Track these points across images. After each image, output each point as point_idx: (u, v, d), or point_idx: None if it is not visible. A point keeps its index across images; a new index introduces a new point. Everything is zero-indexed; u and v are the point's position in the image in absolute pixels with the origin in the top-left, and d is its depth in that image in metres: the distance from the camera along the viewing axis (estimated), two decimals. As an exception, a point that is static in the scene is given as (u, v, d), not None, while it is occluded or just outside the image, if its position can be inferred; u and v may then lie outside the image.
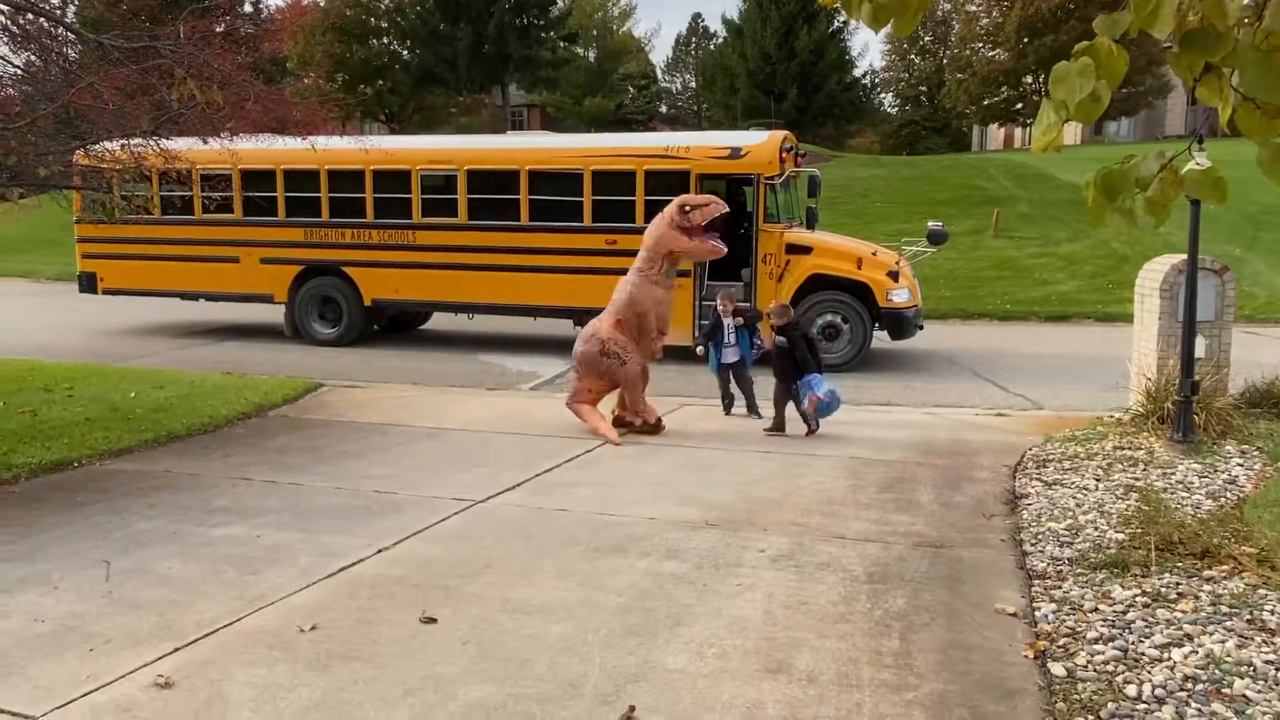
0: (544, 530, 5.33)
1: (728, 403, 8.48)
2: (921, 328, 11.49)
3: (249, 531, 5.29)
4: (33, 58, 7.53)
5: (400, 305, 13.05)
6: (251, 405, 8.61)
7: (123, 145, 6.90)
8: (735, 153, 11.21)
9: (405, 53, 40.91)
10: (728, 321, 8.36)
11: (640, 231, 11.58)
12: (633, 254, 12.07)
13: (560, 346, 11.14)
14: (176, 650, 3.80)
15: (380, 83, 39.55)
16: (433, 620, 4.06)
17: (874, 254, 11.24)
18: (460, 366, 11.66)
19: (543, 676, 3.58)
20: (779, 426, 7.68)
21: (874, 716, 3.33)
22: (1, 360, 10.82)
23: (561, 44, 42.51)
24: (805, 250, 11.17)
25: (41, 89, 6.77)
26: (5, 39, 6.96)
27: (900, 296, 10.93)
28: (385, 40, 41.43)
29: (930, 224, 11.99)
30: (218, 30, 8.47)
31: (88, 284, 14.04)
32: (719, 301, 8.55)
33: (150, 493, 6.10)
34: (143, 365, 10.86)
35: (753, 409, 8.35)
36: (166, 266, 13.50)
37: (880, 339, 11.38)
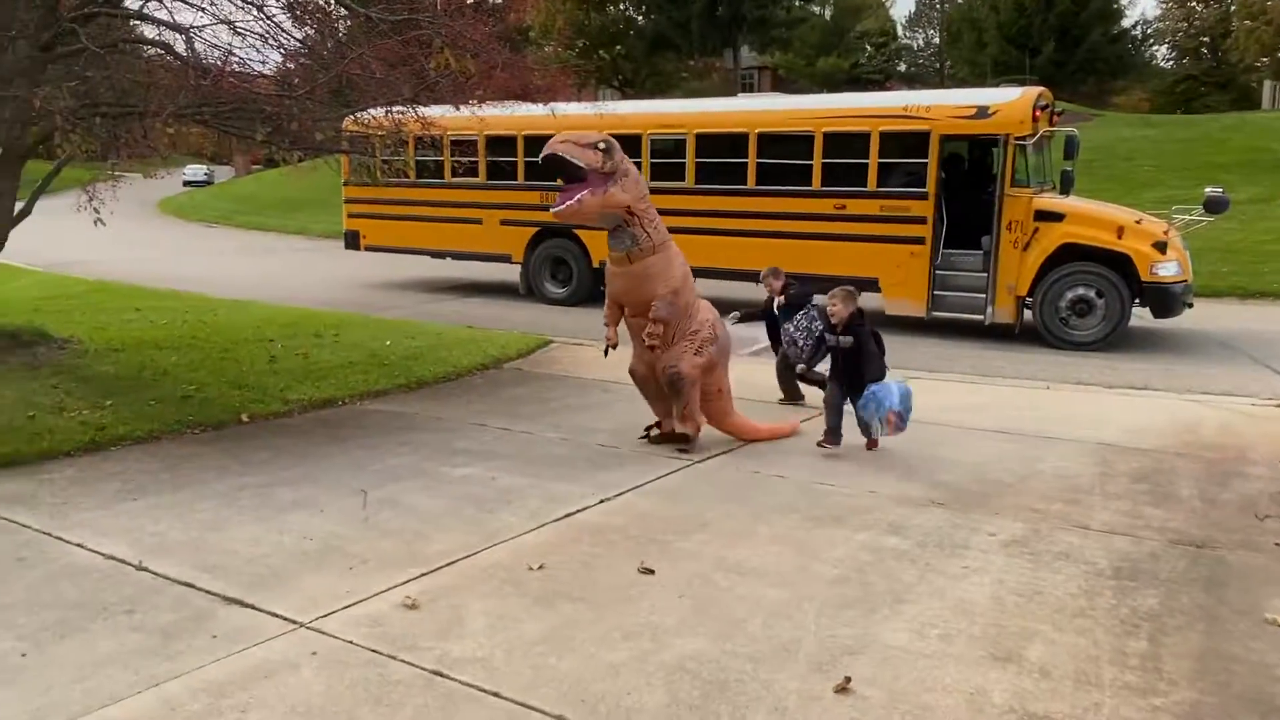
0: (760, 494, 5.32)
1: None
2: (1191, 305, 10.36)
3: (485, 473, 5.65)
4: (310, 32, 8.29)
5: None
6: (489, 358, 9.17)
7: (386, 112, 7.46)
8: (982, 112, 10.50)
9: (640, 18, 41.59)
10: (779, 302, 7.33)
11: (870, 196, 11.29)
12: (863, 219, 11.51)
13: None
14: (422, 575, 4.13)
15: (616, 49, 40.51)
16: (650, 571, 4.17)
17: (1138, 222, 10.19)
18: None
19: (756, 637, 3.58)
20: (832, 437, 6.08)
21: (1114, 719, 3.07)
22: (280, 308, 12.15)
23: (797, 2, 41.62)
24: (1056, 217, 10.32)
25: (318, 61, 7.44)
26: (289, 16, 7.70)
27: (1167, 270, 9.88)
28: (621, 6, 42.30)
29: (1208, 190, 10.74)
30: (469, 2, 8.94)
31: (352, 241, 15.43)
32: (762, 279, 7.61)
33: (401, 432, 6.65)
34: (397, 316, 11.83)
35: (791, 397, 7.52)
36: (419, 226, 14.60)
37: (1140, 316, 10.37)
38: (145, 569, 4.15)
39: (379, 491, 5.28)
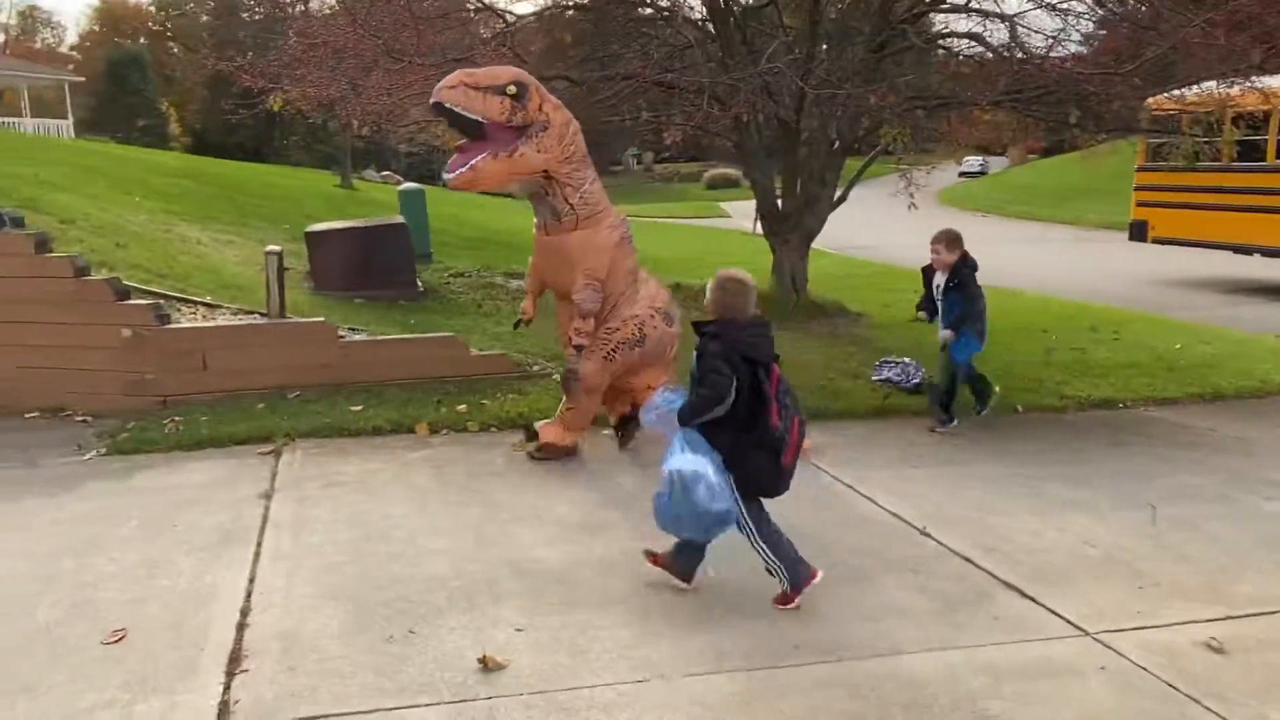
0: None
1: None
2: None
3: (1311, 515, 4.62)
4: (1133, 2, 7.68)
5: None
6: (1307, 375, 7.54)
7: (1218, 85, 6.55)
8: None
9: None
10: (939, 281, 6.07)
11: None
12: None
13: None
14: (1228, 618, 3.54)
15: None
16: None
17: None
18: None
19: None
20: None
21: None
22: (1052, 299, 11.80)
23: None
24: None
25: (1143, 34, 6.86)
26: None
27: None
28: None
29: None
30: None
31: (1138, 232, 14.20)
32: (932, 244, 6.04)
33: (1193, 448, 5.85)
34: (1188, 318, 10.52)
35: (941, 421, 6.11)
36: (1222, 217, 12.73)
37: None
38: (928, 535, 4.36)
39: (1169, 509, 4.70)
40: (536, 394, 6.45)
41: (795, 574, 3.55)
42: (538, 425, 5.35)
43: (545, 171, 4.78)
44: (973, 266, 6.02)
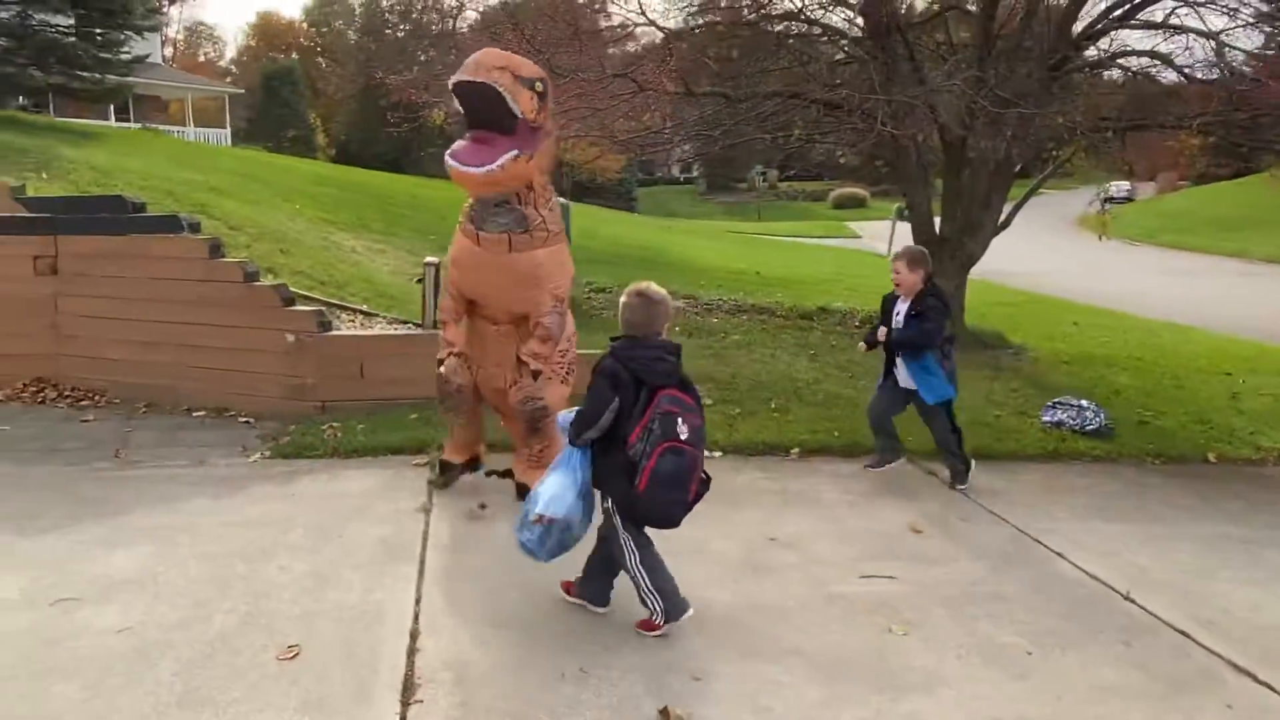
0: None
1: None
2: None
3: None
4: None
5: None
6: None
7: None
8: None
9: None
10: (900, 309, 5.14)
11: None
12: None
13: None
14: None
15: None
16: None
17: None
18: None
19: None
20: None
21: None
22: (1231, 339, 10.91)
23: None
24: None
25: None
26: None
27: None
28: None
29: None
30: None
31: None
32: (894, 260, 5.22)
33: None
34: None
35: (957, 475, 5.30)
36: None
37: None
38: (1132, 600, 3.95)
39: None
40: (686, 417, 6.27)
41: (673, 606, 3.42)
42: (519, 473, 4.71)
43: (534, 179, 4.33)
44: (939, 296, 5.10)
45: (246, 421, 6.15)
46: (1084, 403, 6.79)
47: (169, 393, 6.54)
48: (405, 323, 7.49)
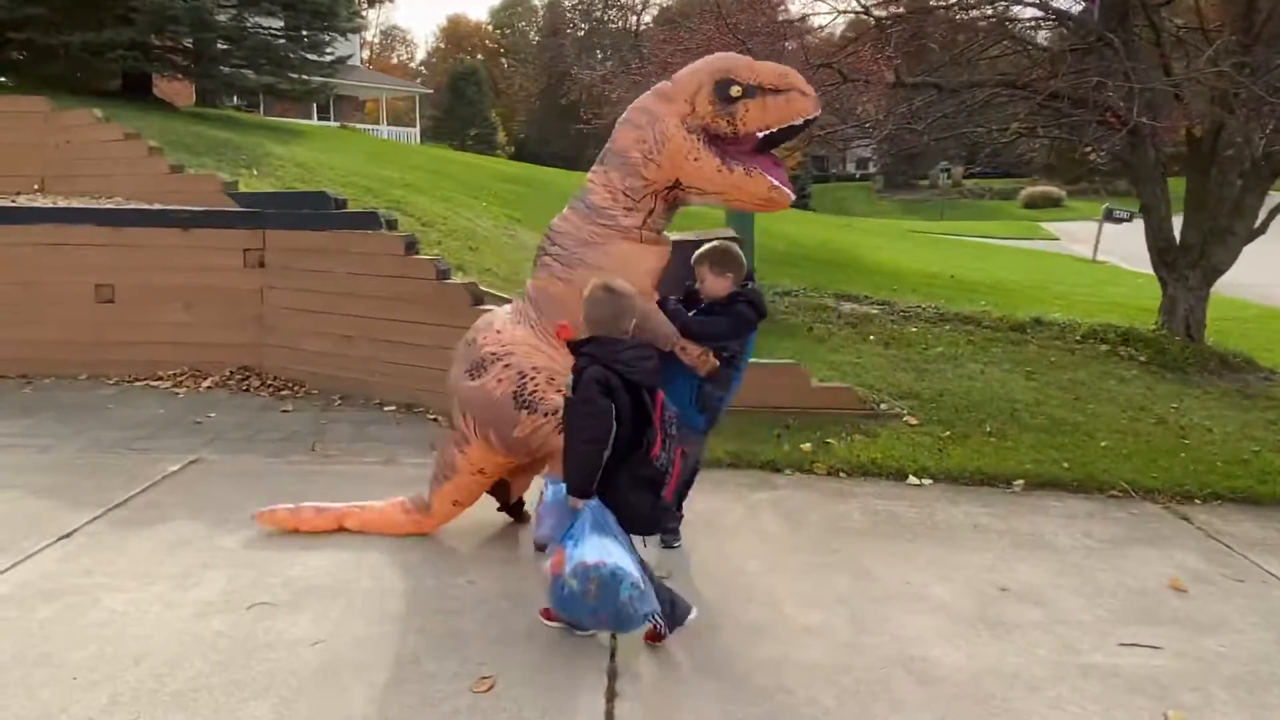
0: None
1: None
2: None
3: None
4: None
5: None
6: None
7: None
8: None
9: None
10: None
11: None
12: None
13: None
14: None
15: None
16: None
17: None
18: None
19: None
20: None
21: None
22: None
23: None
24: None
25: None
26: None
27: None
28: None
29: None
30: None
31: None
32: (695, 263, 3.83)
33: None
34: None
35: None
36: None
37: None
38: None
39: None
40: (887, 437, 5.75)
41: (673, 614, 3.20)
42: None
43: None
44: (754, 303, 3.78)
45: (435, 419, 6.11)
46: (1365, 442, 5.79)
47: (362, 386, 6.61)
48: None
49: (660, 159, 3.56)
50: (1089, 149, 7.13)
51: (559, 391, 3.53)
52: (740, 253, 3.83)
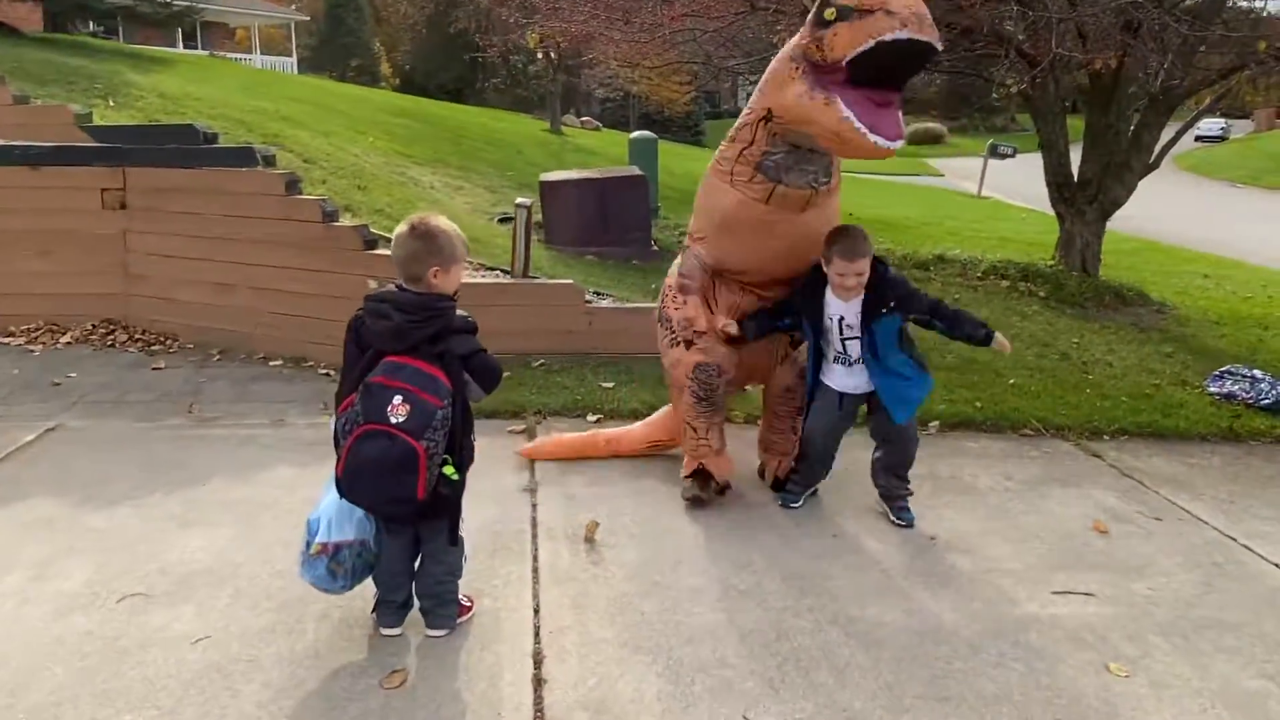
0: None
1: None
2: None
3: None
4: None
5: None
6: None
7: None
8: None
9: None
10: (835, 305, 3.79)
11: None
12: None
13: None
14: None
15: None
16: None
17: None
18: None
19: None
20: None
21: None
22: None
23: None
24: None
25: None
26: None
27: None
28: None
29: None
30: None
31: None
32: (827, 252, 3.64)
33: None
34: None
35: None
36: None
37: None
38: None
39: None
40: (804, 381, 5.61)
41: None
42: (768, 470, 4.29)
43: None
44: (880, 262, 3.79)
45: (326, 373, 5.68)
46: (1257, 373, 5.97)
47: (243, 339, 6.10)
48: (492, 269, 6.91)
49: (765, 85, 3.39)
50: (1008, 85, 7.02)
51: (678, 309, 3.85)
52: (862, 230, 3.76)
